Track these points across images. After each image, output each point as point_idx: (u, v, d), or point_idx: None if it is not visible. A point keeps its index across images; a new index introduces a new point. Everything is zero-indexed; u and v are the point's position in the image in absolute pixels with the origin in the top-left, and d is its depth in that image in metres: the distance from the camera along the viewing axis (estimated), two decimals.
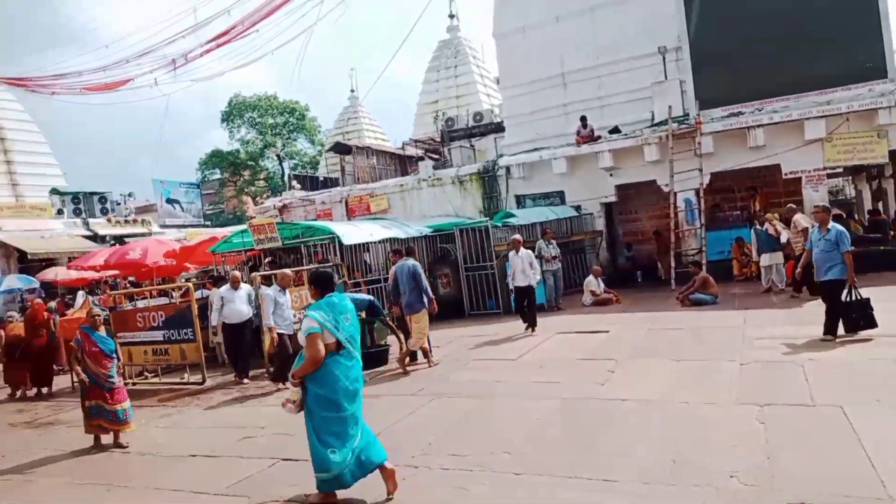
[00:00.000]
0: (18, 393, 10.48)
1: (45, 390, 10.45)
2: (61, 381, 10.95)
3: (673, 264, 14.21)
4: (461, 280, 13.80)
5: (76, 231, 28.74)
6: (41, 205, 29.19)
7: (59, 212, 29.45)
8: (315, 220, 19.20)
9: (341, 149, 23.97)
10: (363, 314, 9.45)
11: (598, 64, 17.38)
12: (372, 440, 4.40)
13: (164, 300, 10.94)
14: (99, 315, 6.93)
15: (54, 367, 10.93)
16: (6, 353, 10.62)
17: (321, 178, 26.55)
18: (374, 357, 9.19)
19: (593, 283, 13.11)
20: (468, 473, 4.62)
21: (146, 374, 10.37)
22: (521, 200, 17.38)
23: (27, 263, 25.71)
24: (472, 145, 21.37)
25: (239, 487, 4.91)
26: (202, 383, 9.19)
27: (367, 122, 36.00)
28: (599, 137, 16.17)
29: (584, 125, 16.50)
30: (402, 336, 9.01)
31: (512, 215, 15.04)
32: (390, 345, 9.42)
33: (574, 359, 8.11)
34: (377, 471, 4.30)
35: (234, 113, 46.55)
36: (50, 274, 21.49)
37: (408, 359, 8.61)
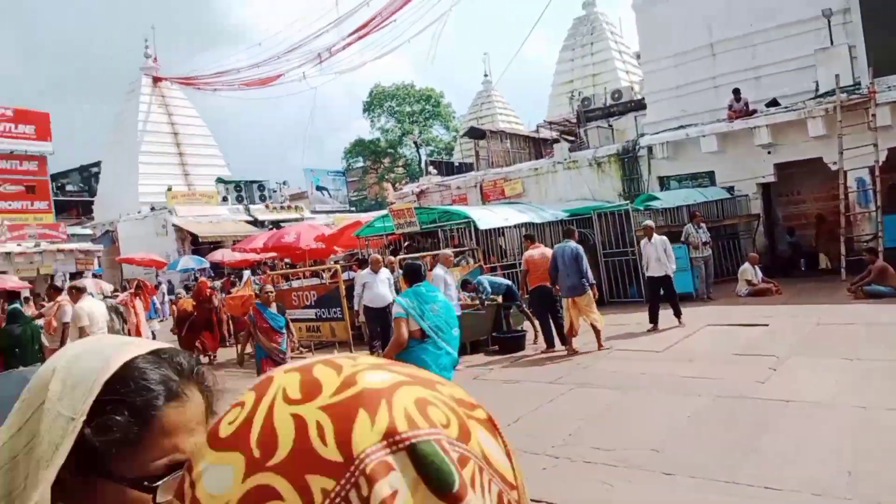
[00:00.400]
0: None
1: (212, 358, 11.69)
2: (228, 353, 12.11)
3: (843, 252, 12.74)
4: (599, 266, 13.36)
5: (239, 216, 31.64)
6: (209, 192, 32.42)
7: (224, 199, 32.53)
8: (450, 204, 19.55)
9: (475, 133, 24.13)
10: (499, 299, 9.54)
11: (751, 32, 15.89)
12: None
13: (315, 281, 11.71)
14: (271, 292, 7.29)
15: (218, 339, 12.18)
16: (177, 324, 12.06)
17: (456, 164, 26.94)
18: (510, 342, 9.21)
19: (749, 272, 12.11)
20: (612, 469, 4.47)
21: (301, 349, 11.20)
22: (664, 182, 16.45)
23: (199, 246, 28.75)
24: (609, 125, 20.55)
25: None
26: None
27: (500, 105, 35.92)
28: (755, 111, 14.82)
29: (738, 98, 15.20)
30: (536, 323, 8.92)
31: (655, 198, 14.28)
32: (526, 331, 9.38)
33: (728, 353, 7.54)
34: None
35: (375, 103, 48.58)
36: (217, 255, 23.80)
37: (568, 342, 8.43)
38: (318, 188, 42.48)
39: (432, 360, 4.50)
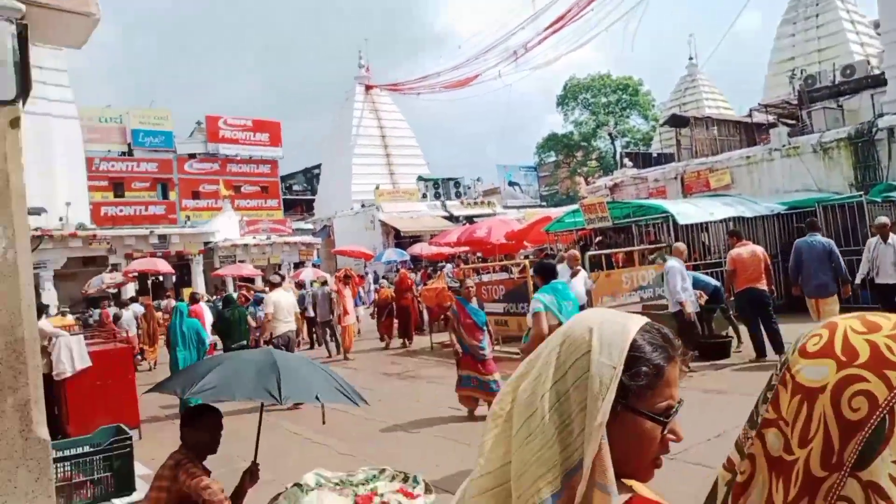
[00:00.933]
0: (384, 344, 12.97)
1: (407, 343, 12.64)
2: (422, 341, 12.79)
3: None
4: None
5: (436, 212, 33.32)
6: (411, 190, 34.59)
7: (424, 195, 34.47)
8: (647, 198, 18.51)
9: (677, 121, 22.52)
10: (702, 300, 8.78)
11: None
12: None
13: (504, 275, 11.86)
14: (472, 287, 7.01)
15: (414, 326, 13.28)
16: (378, 311, 13.35)
17: (654, 155, 25.47)
18: (713, 349, 8.45)
19: None
20: None
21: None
22: None
23: (401, 239, 30.82)
24: (839, 105, 17.85)
25: None
26: None
27: (706, 90, 33.12)
28: None
29: None
30: (740, 330, 8.06)
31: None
32: (732, 337, 8.52)
33: None
34: None
35: (569, 95, 47.83)
36: (417, 248, 25.26)
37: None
38: (510, 183, 43.05)
39: None
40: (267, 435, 3.36)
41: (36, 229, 21.92)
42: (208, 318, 10.30)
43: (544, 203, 43.09)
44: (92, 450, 4.17)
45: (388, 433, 6.41)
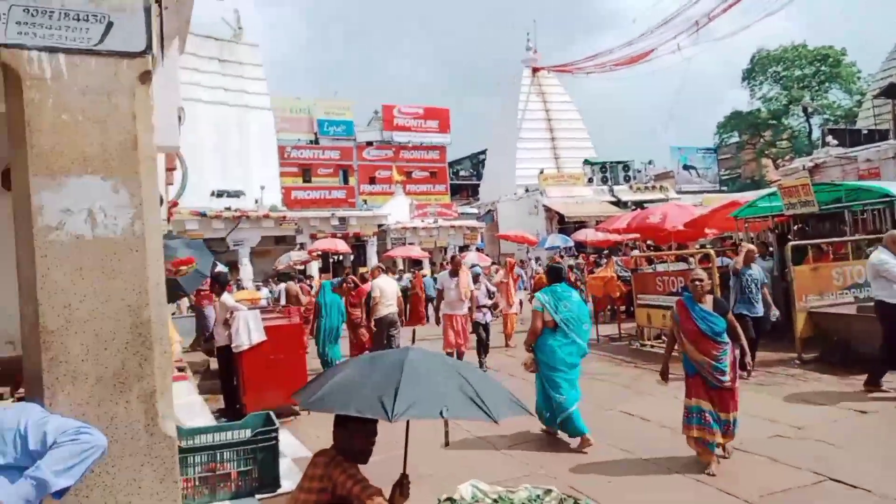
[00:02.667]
0: None
1: None
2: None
3: None
4: None
5: (603, 197, 32.05)
6: (576, 174, 33.61)
7: (590, 180, 33.31)
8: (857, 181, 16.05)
9: (895, 91, 19.30)
10: None
11: None
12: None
13: (682, 266, 10.93)
14: (702, 281, 4.89)
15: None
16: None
17: (864, 131, 22.12)
18: None
19: None
20: None
21: (664, 337, 10.60)
22: None
23: (564, 225, 30.11)
24: None
25: (775, 501, 4.15)
26: None
27: None
28: None
29: None
30: None
31: None
32: None
33: None
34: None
35: (757, 69, 43.20)
36: (581, 235, 24.51)
37: None
38: (686, 167, 40.11)
39: (558, 345, 5.57)
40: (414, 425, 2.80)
41: (235, 210, 24.67)
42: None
43: (724, 188, 39.58)
44: (236, 440, 3.93)
45: (548, 434, 5.94)
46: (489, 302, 10.02)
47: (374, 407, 2.29)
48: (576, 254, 24.87)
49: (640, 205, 28.20)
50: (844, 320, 7.94)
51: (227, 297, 7.65)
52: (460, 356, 8.77)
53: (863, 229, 10.00)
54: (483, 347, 9.57)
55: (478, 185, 45.99)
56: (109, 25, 2.52)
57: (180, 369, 6.87)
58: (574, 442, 5.55)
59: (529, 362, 5.78)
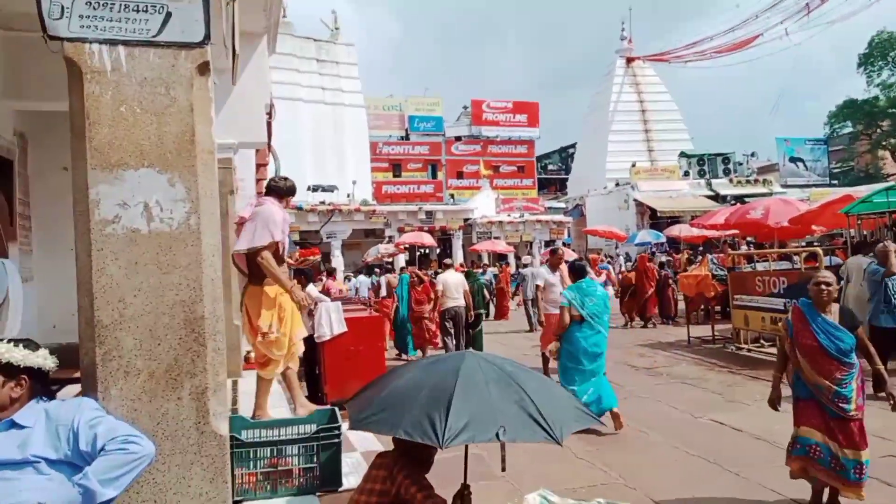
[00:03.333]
0: (624, 322, 13.59)
1: (652, 324, 13.41)
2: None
3: None
4: None
5: (699, 191, 30.48)
6: (670, 167, 32.17)
7: (686, 173, 31.78)
8: None
9: None
10: None
11: None
12: (607, 392, 5.89)
13: (786, 265, 10.08)
14: (829, 286, 3.87)
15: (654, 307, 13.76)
16: (621, 291, 14.24)
17: None
18: None
19: None
20: None
21: (762, 341, 9.85)
22: None
23: (657, 220, 28.87)
24: None
25: None
26: None
27: None
28: None
29: None
30: None
31: None
32: None
33: None
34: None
35: (875, 53, 39.39)
36: (675, 230, 23.34)
37: None
38: (792, 159, 37.35)
39: (583, 337, 6.00)
40: None
41: (329, 204, 25.44)
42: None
43: (835, 182, 36.54)
44: (299, 436, 3.86)
45: (635, 439, 5.64)
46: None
47: (424, 429, 2.12)
48: (668, 250, 23.76)
49: (740, 199, 26.56)
50: None
51: (311, 289, 7.82)
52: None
53: None
54: None
55: (566, 180, 45.03)
56: (168, 16, 2.50)
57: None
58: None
59: (555, 350, 6.25)
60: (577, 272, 6.49)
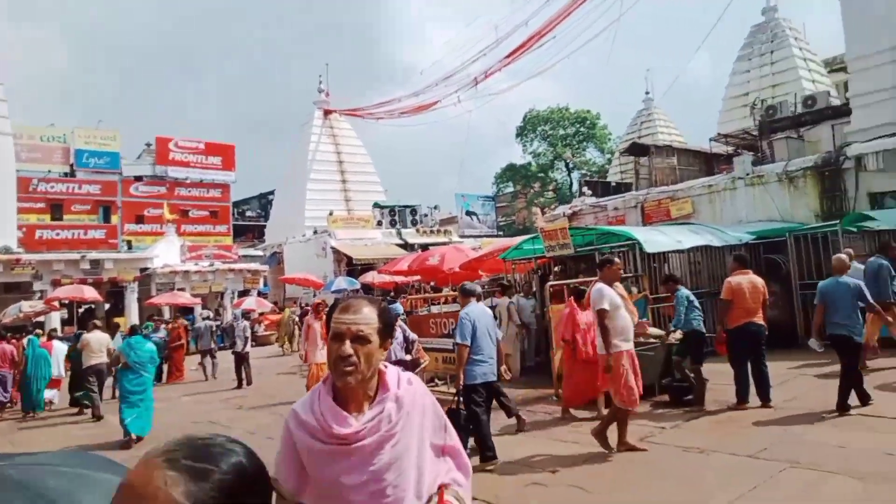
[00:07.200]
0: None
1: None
2: None
3: None
4: (793, 300, 11.09)
5: (391, 240, 32.17)
6: (366, 217, 33.41)
7: (379, 223, 33.31)
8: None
9: (637, 150, 22.16)
10: (676, 336, 7.85)
11: None
12: None
13: (456, 307, 10.74)
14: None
15: None
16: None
17: (613, 184, 25.10)
18: (685, 393, 7.49)
19: None
20: None
21: (436, 381, 10.24)
22: (878, 200, 13.46)
23: (352, 267, 29.49)
24: (800, 136, 17.63)
25: None
26: None
27: (662, 123, 33.36)
28: None
29: None
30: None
31: (869, 218, 11.60)
32: (707, 379, 7.54)
33: None
34: None
35: (528, 127, 47.82)
36: (368, 277, 24.00)
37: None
38: (468, 213, 42.33)
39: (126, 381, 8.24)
40: None
41: None
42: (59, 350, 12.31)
43: (501, 233, 42.50)
44: None
45: None
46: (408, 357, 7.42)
47: None
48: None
49: (426, 247, 28.70)
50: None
51: None
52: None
53: None
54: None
55: (265, 227, 43.67)
56: None
57: None
58: None
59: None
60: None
